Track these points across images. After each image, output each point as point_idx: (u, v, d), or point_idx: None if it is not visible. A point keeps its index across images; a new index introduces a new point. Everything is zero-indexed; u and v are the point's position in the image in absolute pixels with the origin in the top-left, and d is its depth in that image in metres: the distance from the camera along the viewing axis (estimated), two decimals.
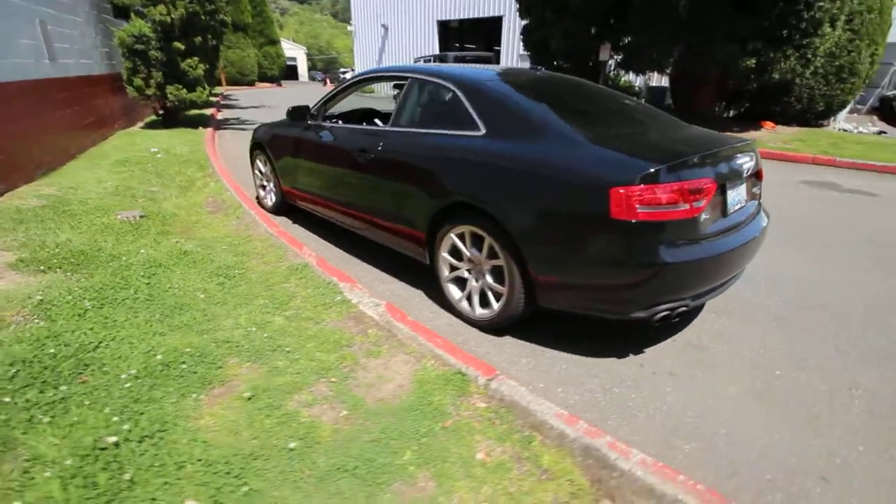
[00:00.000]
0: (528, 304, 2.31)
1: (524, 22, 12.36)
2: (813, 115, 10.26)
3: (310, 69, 61.93)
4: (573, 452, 1.62)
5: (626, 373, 2.23)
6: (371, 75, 3.52)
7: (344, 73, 44.61)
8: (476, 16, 21.61)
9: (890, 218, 4.74)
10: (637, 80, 16.00)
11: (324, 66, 70.61)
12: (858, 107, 13.78)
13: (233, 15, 23.85)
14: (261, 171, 4.65)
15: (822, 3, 7.63)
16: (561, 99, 2.70)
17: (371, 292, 2.79)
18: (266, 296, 2.73)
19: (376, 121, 4.24)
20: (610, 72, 12.33)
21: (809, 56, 8.28)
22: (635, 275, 1.97)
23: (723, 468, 1.70)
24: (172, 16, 8.26)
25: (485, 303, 2.54)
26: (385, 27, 26.34)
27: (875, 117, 13.25)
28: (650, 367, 2.28)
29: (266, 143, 4.28)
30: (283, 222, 4.29)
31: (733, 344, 2.49)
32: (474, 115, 2.48)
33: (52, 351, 1.98)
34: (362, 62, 29.30)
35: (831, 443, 1.83)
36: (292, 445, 1.61)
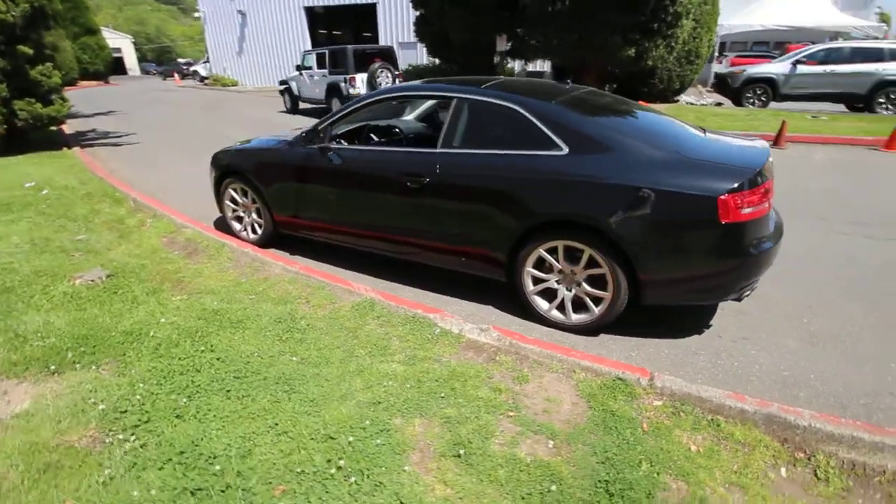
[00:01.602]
0: (631, 303, 2.57)
1: (417, 12, 12.37)
2: (671, 92, 12.27)
3: (140, 61, 53.24)
4: (756, 423, 1.95)
5: (715, 345, 2.65)
6: (399, 94, 3.37)
7: (188, 65, 39.31)
8: (349, 2, 20.83)
9: (787, 177, 6.04)
10: (516, 66, 17.19)
11: (156, 56, 61.22)
12: None
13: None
14: (234, 202, 4.14)
15: None
16: (615, 113, 2.94)
17: (461, 318, 2.79)
18: (359, 344, 2.56)
19: (372, 135, 4.06)
20: (502, 61, 13.06)
21: (673, 44, 9.87)
22: (735, 265, 2.36)
23: (833, 404, 2.19)
24: (13, 13, 6.56)
25: (578, 308, 2.74)
26: (242, 13, 23.94)
27: (702, 89, 16.14)
28: (727, 336, 2.74)
29: (248, 170, 3.83)
30: (285, 255, 3.91)
31: (763, 304, 3.06)
32: (551, 135, 2.61)
33: (217, 468, 1.67)
34: (217, 52, 26.31)
35: (885, 369, 2.45)
36: (553, 488, 1.66)
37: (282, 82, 14.71)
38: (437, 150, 2.95)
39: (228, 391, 2.15)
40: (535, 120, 2.67)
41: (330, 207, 3.52)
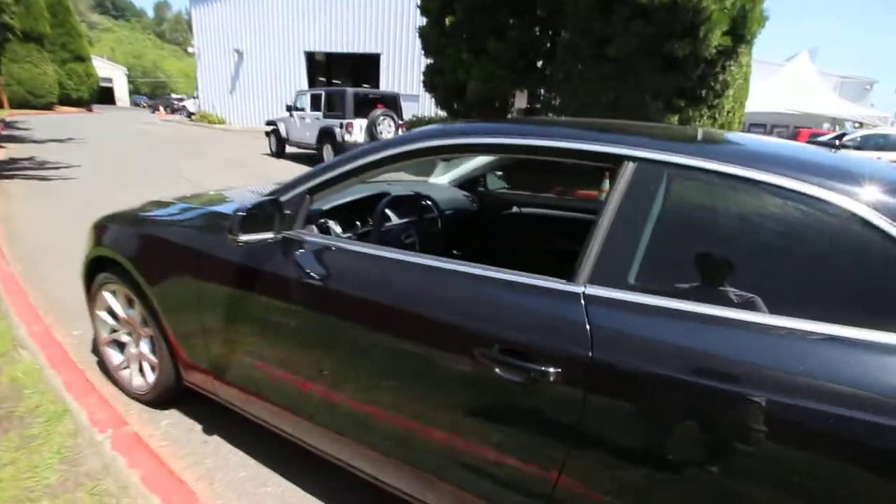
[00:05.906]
0: None
1: (427, 61, 11.17)
2: None
3: (132, 93, 52.38)
4: None
5: None
6: (477, 141, 1.48)
7: (180, 100, 38.07)
8: (352, 51, 20.03)
9: None
10: None
11: (150, 90, 60.64)
12: None
13: (22, 21, 17.82)
14: (113, 315, 2.19)
15: (731, 65, 8.03)
16: None
17: None
18: None
19: (392, 214, 2.22)
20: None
21: (717, 115, 8.69)
22: None
23: None
24: None
25: None
26: (239, 53, 23.00)
27: None
28: None
29: (133, 260, 1.92)
30: (193, 426, 1.94)
31: None
32: None
33: None
34: (208, 89, 25.13)
35: None
36: None
37: (269, 122, 13.20)
38: (581, 291, 1.11)
39: None
40: None
41: (295, 371, 1.61)
